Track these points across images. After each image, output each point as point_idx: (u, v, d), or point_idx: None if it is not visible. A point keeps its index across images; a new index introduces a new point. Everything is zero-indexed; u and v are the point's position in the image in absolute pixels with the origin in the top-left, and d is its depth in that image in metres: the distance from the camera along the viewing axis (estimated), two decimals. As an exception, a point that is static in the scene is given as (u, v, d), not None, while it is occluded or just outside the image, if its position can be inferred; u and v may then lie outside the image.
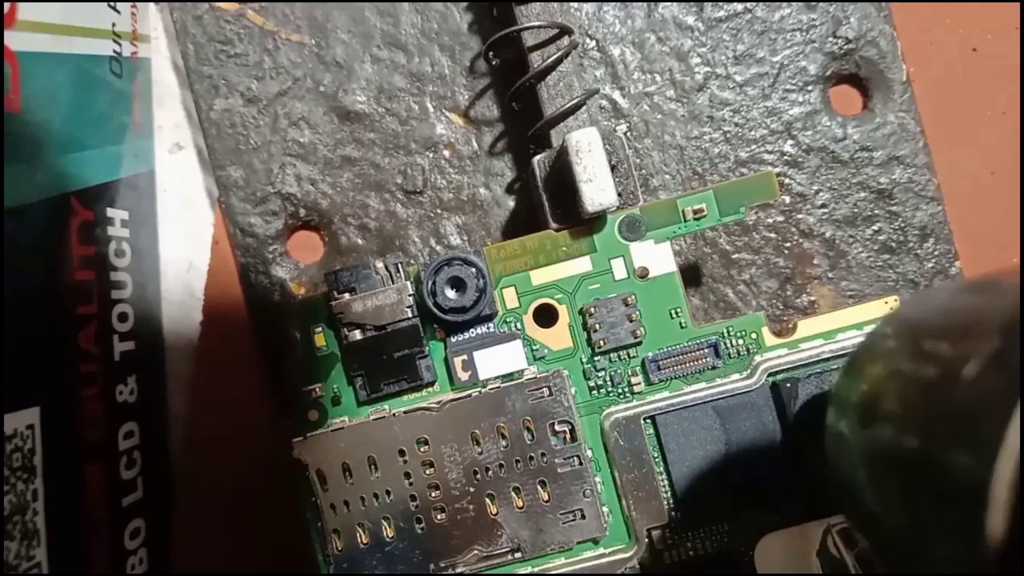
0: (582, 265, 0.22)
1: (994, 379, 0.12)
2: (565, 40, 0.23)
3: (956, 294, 0.16)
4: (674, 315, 0.22)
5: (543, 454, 0.22)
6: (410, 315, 0.22)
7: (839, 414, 0.17)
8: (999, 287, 0.14)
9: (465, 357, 0.22)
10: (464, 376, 0.22)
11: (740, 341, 0.22)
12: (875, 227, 0.25)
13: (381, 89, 0.26)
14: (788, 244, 0.25)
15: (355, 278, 0.22)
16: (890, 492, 0.15)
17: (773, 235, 0.25)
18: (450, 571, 0.22)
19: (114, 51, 0.24)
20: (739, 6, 0.26)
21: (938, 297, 0.17)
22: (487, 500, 0.22)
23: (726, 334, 0.22)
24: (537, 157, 0.23)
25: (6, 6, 0.20)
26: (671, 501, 0.22)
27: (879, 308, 0.22)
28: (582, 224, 0.22)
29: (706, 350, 0.22)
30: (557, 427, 0.22)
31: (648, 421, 0.22)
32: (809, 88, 0.25)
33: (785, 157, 0.25)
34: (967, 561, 0.12)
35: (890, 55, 0.25)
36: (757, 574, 0.22)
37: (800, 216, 0.25)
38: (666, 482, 0.22)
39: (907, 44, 0.25)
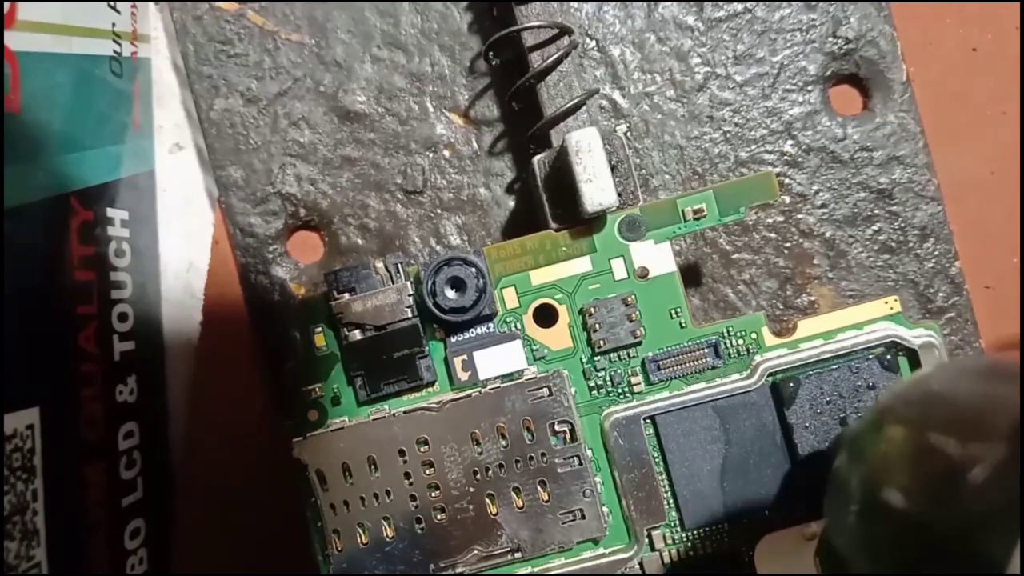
0: (582, 265, 0.22)
1: (1000, 488, 0.12)
2: (565, 40, 0.23)
3: (974, 379, 0.16)
4: (674, 315, 0.22)
5: (543, 454, 0.22)
6: (410, 315, 0.22)
7: (851, 463, 0.17)
8: (1013, 380, 0.14)
9: (465, 357, 0.22)
10: (464, 376, 0.22)
11: (740, 341, 0.22)
12: (875, 227, 0.25)
13: (381, 89, 0.26)
14: (788, 244, 0.25)
15: (355, 278, 0.22)
16: (880, 557, 0.15)
17: (773, 235, 0.25)
18: (450, 571, 0.22)
19: (114, 51, 0.24)
20: (739, 6, 0.26)
21: (957, 377, 0.17)
22: (487, 500, 0.22)
23: (726, 334, 0.22)
24: (537, 157, 0.23)
25: (6, 6, 0.20)
26: (671, 501, 0.22)
27: (879, 308, 0.22)
28: (582, 224, 0.22)
29: (706, 350, 0.22)
30: (557, 427, 0.22)
31: (648, 421, 0.22)
32: (809, 88, 0.25)
33: (785, 157, 0.25)
34: None
35: (890, 55, 0.25)
36: (757, 574, 0.22)
37: (800, 216, 0.25)
38: (666, 482, 0.22)
39: (907, 44, 0.25)
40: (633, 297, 0.22)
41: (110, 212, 0.24)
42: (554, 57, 0.23)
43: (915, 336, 0.22)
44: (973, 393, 0.15)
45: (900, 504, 0.14)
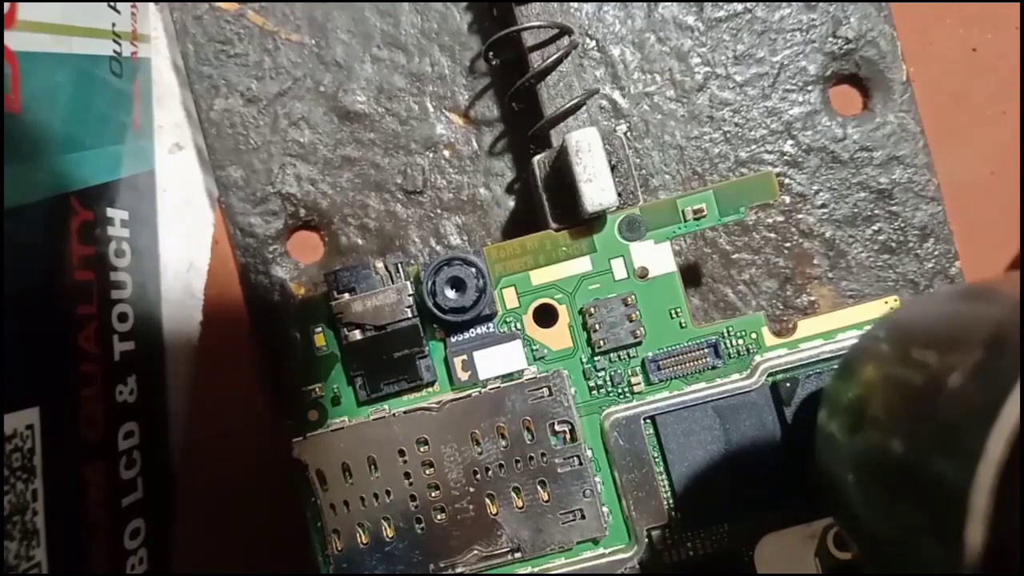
0: (582, 265, 0.22)
1: (977, 390, 0.12)
2: (565, 40, 0.23)
3: (950, 300, 0.16)
4: (674, 315, 0.22)
5: (543, 454, 0.22)
6: (410, 315, 0.22)
7: (830, 415, 0.18)
8: (992, 295, 0.15)
9: (465, 357, 0.22)
10: (464, 376, 0.22)
11: (740, 341, 0.22)
12: (875, 227, 0.25)
13: (381, 89, 0.26)
14: (788, 244, 0.25)
15: (355, 278, 0.22)
16: (876, 496, 0.15)
17: (773, 235, 0.25)
18: (450, 571, 0.22)
19: (114, 51, 0.24)
20: (739, 6, 0.26)
21: (932, 303, 0.17)
22: (487, 500, 0.22)
23: (726, 334, 0.22)
24: (537, 157, 0.23)
25: (6, 6, 0.20)
26: (671, 501, 0.22)
27: (879, 308, 0.22)
28: (582, 224, 0.22)
29: (706, 350, 0.22)
30: (557, 427, 0.22)
31: (648, 421, 0.22)
32: (809, 88, 0.25)
33: (785, 157, 0.25)
34: (950, 566, 0.12)
35: (890, 55, 0.25)
36: (757, 574, 0.22)
37: (800, 216, 0.25)
38: (666, 482, 0.22)
39: (907, 44, 0.25)
40: (633, 297, 0.22)
41: (110, 212, 0.24)
42: (554, 57, 0.23)
43: (915, 336, 0.22)
44: (949, 311, 0.15)
45: (885, 425, 0.15)
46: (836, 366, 0.18)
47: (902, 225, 0.25)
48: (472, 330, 0.22)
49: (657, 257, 0.22)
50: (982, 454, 0.11)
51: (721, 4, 0.26)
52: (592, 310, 0.22)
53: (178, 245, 0.26)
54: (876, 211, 0.25)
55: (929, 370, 0.14)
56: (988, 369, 0.12)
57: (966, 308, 0.15)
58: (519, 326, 0.22)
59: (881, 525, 0.15)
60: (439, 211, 0.26)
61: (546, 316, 0.23)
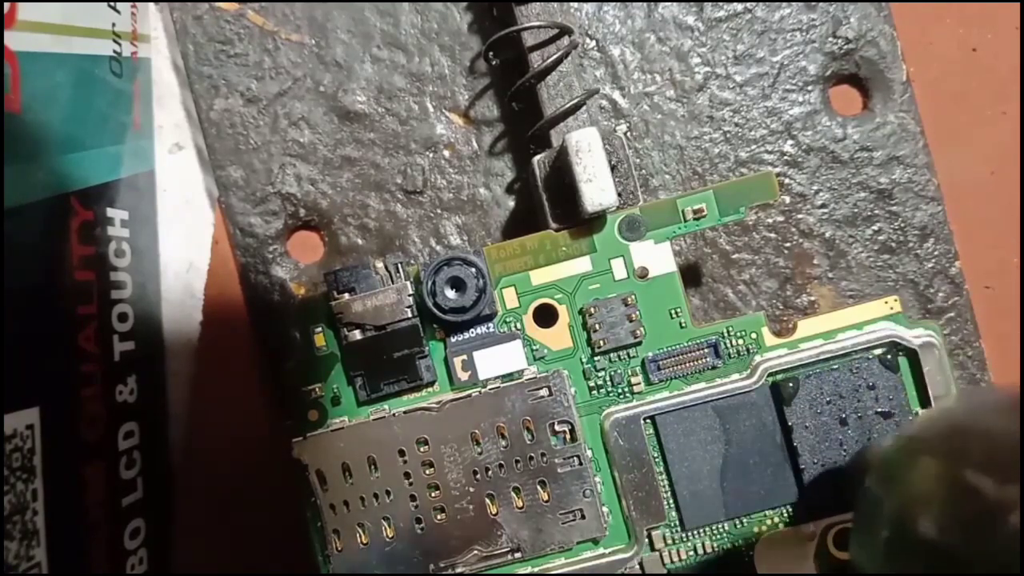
0: (582, 265, 0.22)
1: None
2: (565, 40, 0.23)
3: (1007, 413, 0.16)
4: (674, 315, 0.22)
5: (543, 454, 0.22)
6: (410, 315, 0.22)
7: (882, 486, 0.17)
8: None
9: (465, 357, 0.22)
10: (464, 376, 0.22)
11: (740, 341, 0.22)
12: (875, 227, 0.25)
13: (381, 89, 0.26)
14: (788, 244, 0.25)
15: (355, 278, 0.22)
16: None
17: (773, 235, 0.25)
18: (450, 571, 0.22)
19: (114, 51, 0.24)
20: (739, 6, 0.26)
21: (987, 412, 0.17)
22: (487, 500, 0.22)
23: (726, 334, 0.22)
24: (537, 157, 0.23)
25: (6, 6, 0.20)
26: (671, 501, 0.22)
27: (879, 308, 0.22)
28: (582, 224, 0.22)
29: (706, 350, 0.22)
30: (557, 427, 0.22)
31: (648, 421, 0.22)
32: (809, 88, 0.25)
33: (785, 157, 0.25)
34: None
35: (890, 55, 0.25)
36: (757, 574, 0.22)
37: (800, 216, 0.25)
38: (666, 482, 0.22)
39: (907, 44, 0.25)
40: (633, 297, 0.22)
41: (110, 212, 0.24)
42: (554, 57, 0.23)
43: (915, 336, 0.22)
44: (1005, 431, 0.15)
45: (933, 536, 0.15)
46: (896, 438, 0.18)
47: (902, 225, 0.25)
48: (472, 330, 0.22)
49: (657, 257, 0.22)
50: None
51: (721, 4, 0.26)
52: (592, 310, 0.22)
53: (178, 245, 0.26)
54: (876, 211, 0.25)
55: (987, 499, 0.14)
56: None
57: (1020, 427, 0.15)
58: (519, 326, 0.22)
59: None
60: (439, 211, 0.26)
61: (546, 316, 0.23)
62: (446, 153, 0.26)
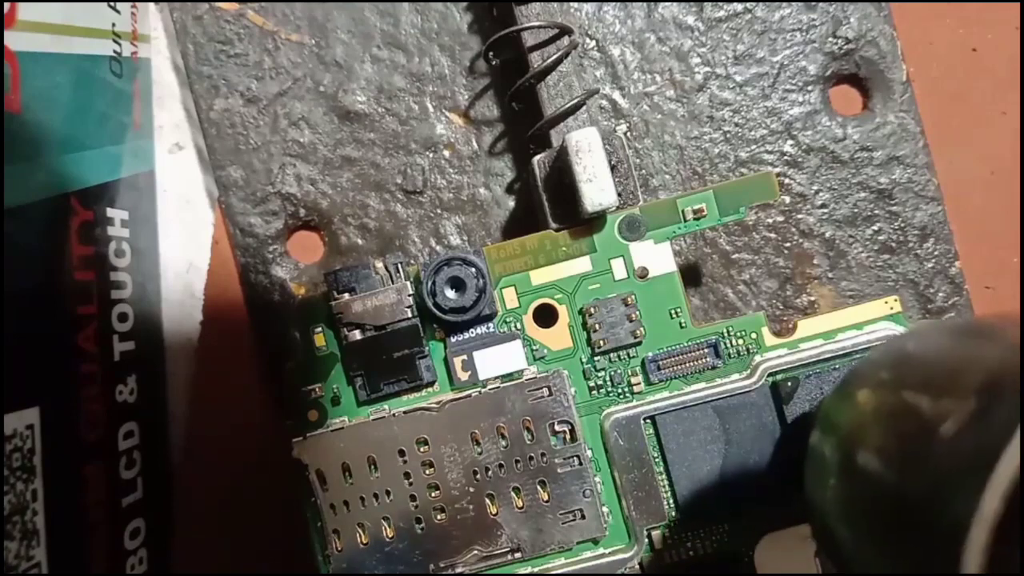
0: (582, 265, 0.22)
1: (971, 441, 0.12)
2: (565, 40, 0.23)
3: (950, 336, 0.15)
4: (674, 315, 0.22)
5: (543, 454, 0.22)
6: (410, 315, 0.22)
7: (823, 435, 0.17)
8: (991, 336, 0.14)
9: (465, 357, 0.22)
10: (464, 376, 0.22)
11: (740, 341, 0.22)
12: (875, 227, 0.25)
13: (381, 89, 0.26)
14: (788, 244, 0.25)
15: (355, 278, 0.22)
16: (861, 526, 0.15)
17: (773, 235, 0.25)
18: (450, 571, 0.22)
19: (114, 51, 0.24)
20: (739, 6, 0.26)
21: (933, 336, 0.16)
22: (487, 500, 0.22)
23: (726, 334, 0.22)
24: (537, 157, 0.23)
25: (6, 6, 0.20)
26: (671, 501, 0.22)
27: (879, 308, 0.22)
28: (582, 224, 0.22)
29: (706, 350, 0.22)
30: (557, 427, 0.22)
31: (648, 421, 0.22)
32: (809, 88, 0.25)
33: (785, 157, 0.25)
34: None
35: (890, 55, 0.25)
36: (757, 574, 0.22)
37: (800, 216, 0.25)
38: (666, 482, 0.22)
39: (907, 44, 0.25)
40: (633, 297, 0.22)
41: (110, 212, 0.24)
42: (554, 57, 0.23)
43: (915, 336, 0.22)
44: (946, 350, 0.15)
45: (875, 466, 0.14)
46: (836, 382, 0.18)
47: (902, 225, 0.25)
48: (472, 330, 0.22)
49: (657, 257, 0.22)
50: (976, 510, 0.11)
51: (721, 4, 0.26)
52: (592, 310, 0.22)
53: (178, 245, 0.26)
54: (876, 211, 0.25)
55: (922, 414, 0.13)
56: (982, 419, 0.12)
57: (963, 348, 0.14)
58: (519, 326, 0.22)
59: (866, 559, 0.14)
60: (439, 211, 0.26)
61: (546, 316, 0.23)
62: (446, 153, 0.26)
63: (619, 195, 0.22)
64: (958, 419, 0.12)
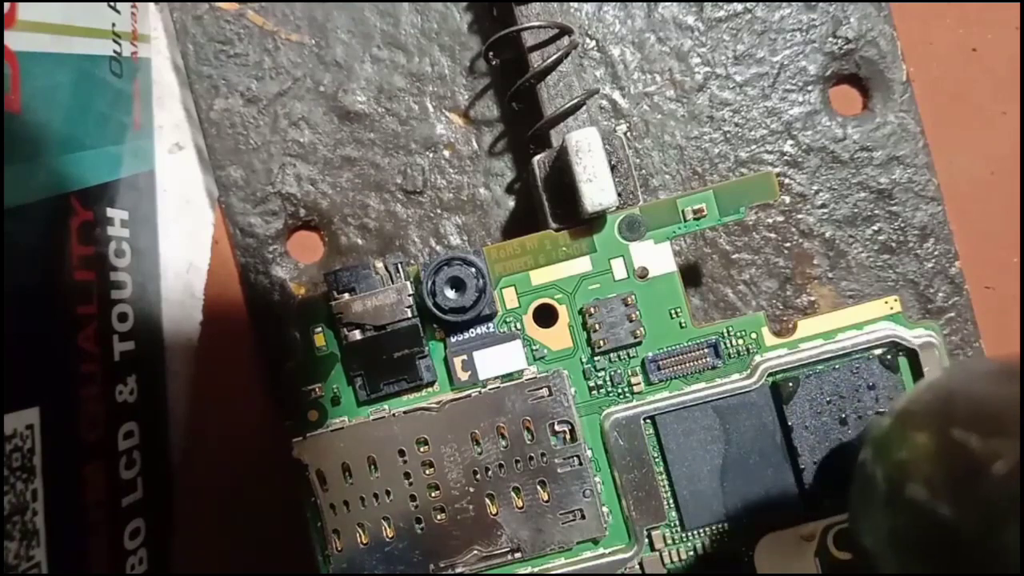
0: (582, 265, 0.22)
1: (1018, 484, 0.13)
2: (565, 40, 0.23)
3: (994, 378, 0.16)
4: (674, 315, 0.22)
5: (543, 454, 0.22)
6: (410, 315, 0.22)
7: (875, 459, 0.18)
8: None
9: (465, 357, 0.22)
10: (464, 376, 0.22)
11: (740, 341, 0.22)
12: (875, 227, 0.25)
13: (381, 89, 0.26)
14: (788, 244, 0.25)
15: (355, 278, 0.22)
16: (911, 552, 0.15)
17: (773, 235, 0.25)
18: (450, 571, 0.22)
19: (114, 51, 0.24)
20: (739, 6, 0.26)
21: (977, 377, 0.17)
22: (487, 500, 0.22)
23: (726, 334, 0.22)
24: (537, 157, 0.23)
25: (6, 6, 0.20)
26: (671, 501, 0.22)
27: (879, 308, 0.22)
28: (582, 224, 0.22)
29: (706, 350, 0.22)
30: (557, 427, 0.22)
31: (648, 421, 0.22)
32: (809, 88, 0.25)
33: (785, 157, 0.25)
34: None
35: (890, 55, 0.25)
36: (757, 574, 0.22)
37: (800, 216, 0.25)
38: (666, 482, 0.22)
39: (907, 44, 0.25)
40: (633, 297, 0.22)
41: (110, 212, 0.24)
42: (554, 57, 0.23)
43: (915, 336, 0.22)
44: (991, 393, 0.16)
45: (924, 497, 0.15)
46: (892, 413, 0.18)
47: (902, 225, 0.25)
48: (472, 330, 0.22)
49: (657, 257, 0.22)
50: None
51: (721, 4, 0.26)
52: (592, 310, 0.22)
53: (178, 245, 0.26)
54: (876, 211, 0.25)
55: (973, 453, 0.14)
56: None
57: (1008, 390, 0.15)
58: (519, 326, 0.22)
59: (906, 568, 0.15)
60: (439, 211, 0.26)
61: (546, 316, 0.23)
62: (446, 153, 0.26)
63: (619, 195, 0.22)
64: (1009, 459, 0.13)
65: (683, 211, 0.22)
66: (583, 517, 0.22)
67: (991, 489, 0.13)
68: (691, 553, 0.22)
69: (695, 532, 0.22)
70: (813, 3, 0.25)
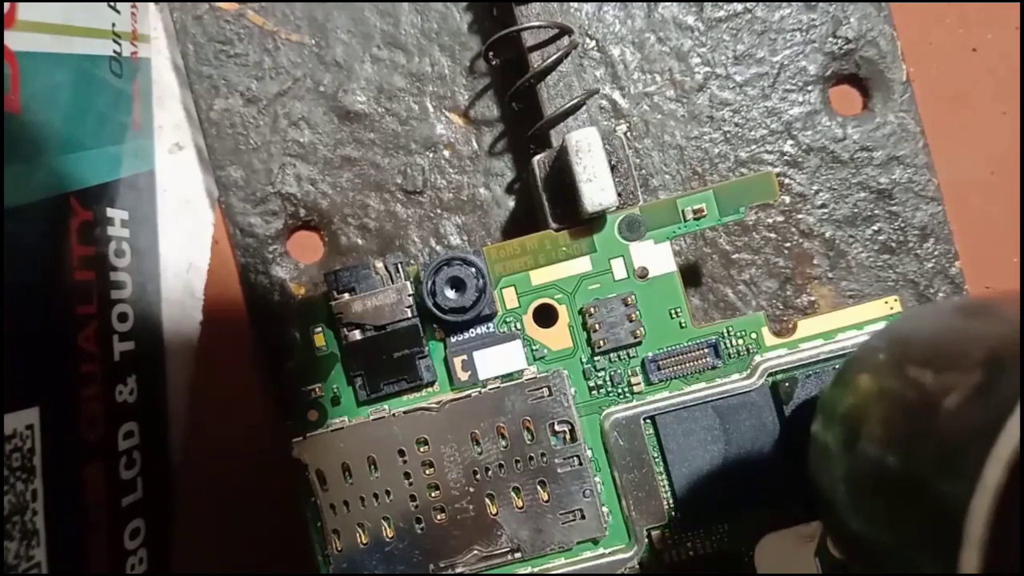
0: (582, 265, 0.22)
1: (974, 413, 0.12)
2: (565, 40, 0.23)
3: (950, 315, 0.16)
4: (674, 315, 0.22)
5: (543, 454, 0.22)
6: (410, 315, 0.22)
7: (825, 425, 0.17)
8: (991, 313, 0.14)
9: (465, 357, 0.22)
10: (464, 376, 0.22)
11: (740, 341, 0.22)
12: (875, 227, 0.25)
13: (381, 89, 0.26)
14: (788, 244, 0.25)
15: (355, 278, 0.22)
16: (869, 509, 0.15)
17: (773, 235, 0.25)
18: (450, 571, 0.22)
19: (114, 51, 0.24)
20: (739, 6, 0.26)
21: (932, 315, 0.17)
22: (487, 500, 0.22)
23: (726, 334, 0.22)
24: (537, 157, 0.23)
25: (6, 6, 0.20)
26: (671, 501, 0.22)
27: (879, 308, 0.22)
28: (582, 224, 0.22)
29: (706, 350, 0.22)
30: (557, 427, 0.22)
31: (648, 421, 0.22)
32: (809, 88, 0.25)
33: (785, 157, 0.25)
34: None
35: (890, 55, 0.25)
36: (757, 574, 0.22)
37: (800, 216, 0.25)
38: (666, 482, 0.22)
39: (907, 44, 0.25)
40: (633, 297, 0.22)
41: (110, 212, 0.24)
42: (554, 57, 0.23)
43: (915, 336, 0.22)
44: (947, 326, 0.15)
45: (880, 445, 0.14)
46: (833, 374, 0.18)
47: (902, 225, 0.25)
48: (472, 330, 0.22)
49: (657, 257, 0.22)
50: (979, 479, 0.11)
51: (721, 4, 0.26)
52: (592, 310, 0.22)
53: (178, 245, 0.26)
54: (876, 211, 0.25)
55: (926, 389, 0.14)
56: (986, 392, 0.12)
57: (964, 324, 0.15)
58: (519, 326, 0.22)
59: (874, 537, 0.15)
60: (439, 211, 0.26)
61: (546, 316, 0.23)
62: (446, 153, 0.26)
63: (619, 195, 0.22)
64: (962, 392, 0.13)
65: (683, 211, 0.22)
66: (583, 517, 0.22)
67: (944, 424, 0.13)
68: (691, 553, 0.22)
69: (695, 532, 0.22)
70: (813, 3, 0.25)
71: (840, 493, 0.16)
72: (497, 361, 0.22)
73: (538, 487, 0.22)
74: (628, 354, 0.22)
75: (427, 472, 0.22)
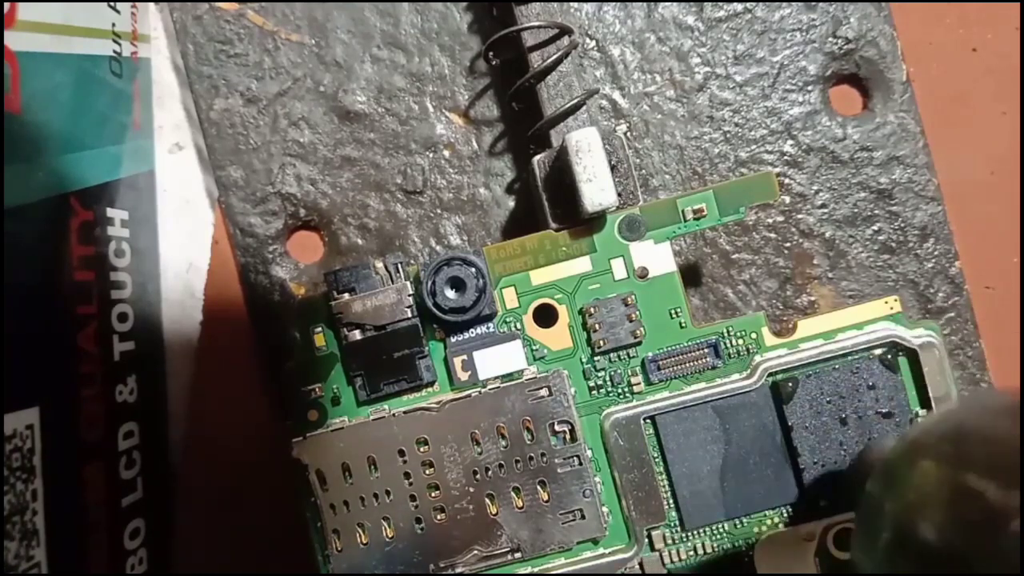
0: (582, 265, 0.22)
1: None
2: (565, 40, 0.23)
3: (1011, 418, 0.16)
4: (674, 315, 0.22)
5: (543, 454, 0.22)
6: (410, 315, 0.22)
7: (884, 489, 0.17)
8: None
9: (465, 357, 0.22)
10: (464, 376, 0.22)
11: (740, 341, 0.22)
12: (875, 227, 0.25)
13: (381, 89, 0.26)
14: (788, 244, 0.25)
15: (355, 278, 0.22)
16: None
17: (773, 235, 0.25)
18: (450, 571, 0.22)
19: (114, 51, 0.24)
20: (739, 6, 0.26)
21: (991, 415, 0.17)
22: (487, 500, 0.22)
23: (726, 334, 0.22)
24: (537, 157, 0.23)
25: (6, 6, 0.20)
26: (671, 501, 0.22)
27: (879, 308, 0.22)
28: (582, 224, 0.22)
29: (706, 350, 0.22)
30: (557, 427, 0.22)
31: (648, 421, 0.22)
32: (809, 88, 0.25)
33: (785, 157, 0.25)
34: None
35: (890, 55, 0.25)
36: (757, 574, 0.22)
37: (800, 216, 0.25)
38: (666, 482, 0.22)
39: (907, 44, 0.25)
40: (633, 297, 0.22)
41: (110, 212, 0.24)
42: (554, 57, 0.23)
43: (915, 336, 0.22)
44: (1009, 435, 0.15)
45: (934, 540, 0.15)
46: (899, 441, 0.18)
47: (902, 225, 0.25)
48: (472, 330, 0.22)
49: (657, 257, 0.22)
50: None
51: (721, 4, 0.26)
52: (592, 310, 0.22)
53: (178, 245, 0.26)
54: (876, 211, 0.25)
55: (990, 504, 0.14)
56: None
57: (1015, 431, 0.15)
58: (519, 326, 0.22)
59: None
60: (439, 211, 0.26)
61: (546, 316, 0.23)
62: (446, 153, 0.26)
63: (619, 195, 0.22)
64: None
65: (683, 211, 0.22)
66: (583, 517, 0.22)
67: (1007, 544, 0.13)
68: (691, 553, 0.22)
69: (695, 532, 0.22)
70: (813, 3, 0.25)
71: (882, 559, 0.16)
72: (497, 361, 0.22)
73: (538, 487, 0.22)
74: (628, 354, 0.22)
75: (427, 472, 0.22)
